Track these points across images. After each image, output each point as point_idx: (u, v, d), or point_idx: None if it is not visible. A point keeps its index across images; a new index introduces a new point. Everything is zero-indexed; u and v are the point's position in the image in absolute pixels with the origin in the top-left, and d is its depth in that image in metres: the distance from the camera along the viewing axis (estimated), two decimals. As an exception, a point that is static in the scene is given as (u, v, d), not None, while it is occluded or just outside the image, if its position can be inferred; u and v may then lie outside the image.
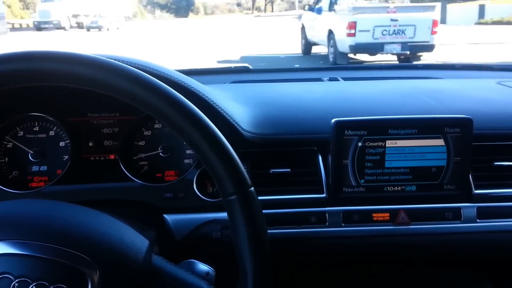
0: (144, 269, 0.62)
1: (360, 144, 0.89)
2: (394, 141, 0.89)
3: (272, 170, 0.94)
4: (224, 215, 0.91)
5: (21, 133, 1.02)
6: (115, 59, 0.60)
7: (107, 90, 0.58)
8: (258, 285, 0.55)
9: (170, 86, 0.58)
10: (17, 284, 0.55)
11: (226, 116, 0.93)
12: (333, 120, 0.90)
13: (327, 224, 0.92)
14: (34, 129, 1.03)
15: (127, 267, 0.60)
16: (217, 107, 0.92)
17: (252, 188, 0.57)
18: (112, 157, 1.02)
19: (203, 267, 0.74)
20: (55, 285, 0.56)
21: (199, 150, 0.56)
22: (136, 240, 0.63)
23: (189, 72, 1.35)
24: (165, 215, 0.94)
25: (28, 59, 0.57)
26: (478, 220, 0.93)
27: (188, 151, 1.02)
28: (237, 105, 1.04)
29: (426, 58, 7.92)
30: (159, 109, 0.56)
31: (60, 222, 0.61)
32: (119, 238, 0.62)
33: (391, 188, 0.92)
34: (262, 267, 0.55)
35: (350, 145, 0.89)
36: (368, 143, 0.89)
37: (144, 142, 1.03)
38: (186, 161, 1.02)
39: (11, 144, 1.02)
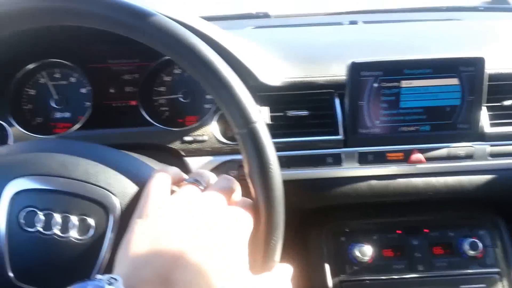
0: None
1: (375, 85, 0.95)
2: (409, 81, 0.95)
3: (289, 113, 1.00)
4: (241, 156, 0.99)
5: (43, 80, 1.10)
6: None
7: (128, 33, 0.60)
8: (271, 213, 0.58)
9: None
10: (43, 217, 0.61)
11: (244, 61, 0.98)
12: (349, 61, 0.95)
13: (342, 164, 0.99)
14: (56, 75, 1.10)
15: None
16: (234, 53, 0.97)
17: (261, 122, 0.58)
18: (133, 103, 1.09)
19: None
20: (78, 217, 0.62)
21: (211, 89, 0.59)
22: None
23: (209, 18, 1.40)
24: (185, 158, 1.01)
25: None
26: (489, 158, 0.99)
27: (208, 96, 1.09)
28: (256, 50, 1.10)
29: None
30: (175, 51, 0.59)
31: (82, 158, 0.66)
32: (140, 173, 0.67)
33: (406, 128, 0.98)
34: (273, 197, 0.58)
35: (366, 86, 0.95)
36: (383, 84, 0.95)
37: (164, 87, 1.10)
38: (206, 106, 1.08)
39: (34, 91, 1.10)
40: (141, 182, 0.63)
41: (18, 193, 0.63)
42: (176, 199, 0.57)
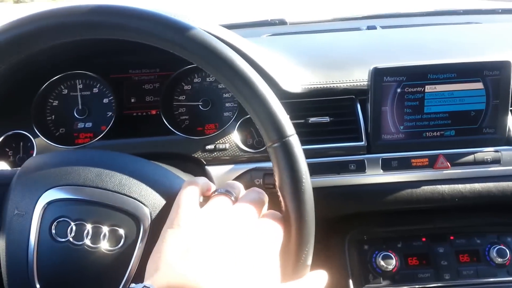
0: None
1: (399, 90, 0.95)
2: (433, 86, 0.94)
3: (311, 120, 1.00)
4: (264, 164, 0.99)
5: (66, 91, 1.11)
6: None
7: (159, 44, 0.62)
8: (302, 227, 0.59)
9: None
10: (74, 227, 0.63)
11: (263, 68, 0.98)
12: (371, 67, 0.95)
13: (366, 171, 0.99)
14: (79, 86, 1.11)
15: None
16: (254, 59, 0.97)
17: (295, 136, 0.60)
18: (153, 112, 1.10)
19: None
20: (110, 228, 0.63)
21: (245, 101, 0.60)
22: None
23: (225, 26, 1.40)
24: (207, 167, 1.01)
25: (90, 13, 0.62)
26: (517, 163, 0.98)
27: (227, 104, 1.09)
28: (275, 57, 1.10)
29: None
30: (206, 60, 0.60)
31: (115, 169, 0.68)
32: (169, 184, 0.69)
33: (430, 134, 0.97)
34: (305, 211, 0.59)
35: (389, 92, 0.95)
36: (407, 89, 0.94)
37: (184, 96, 1.11)
38: (226, 114, 1.09)
39: (57, 102, 1.11)
40: (172, 193, 0.64)
41: (51, 203, 0.64)
42: (208, 210, 0.57)
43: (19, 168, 0.71)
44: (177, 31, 0.60)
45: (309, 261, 0.60)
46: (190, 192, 0.60)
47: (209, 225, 0.54)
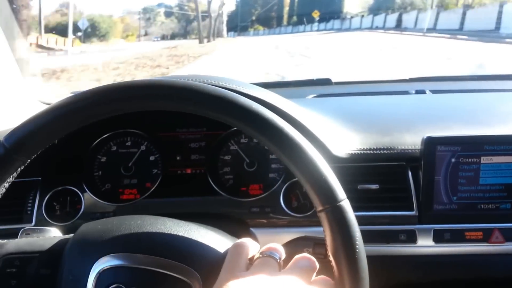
0: None
1: (453, 160, 0.95)
2: (490, 157, 0.95)
3: (360, 186, 1.01)
4: (312, 229, 1.00)
5: (114, 148, 1.16)
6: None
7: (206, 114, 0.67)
8: None
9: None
10: None
11: (313, 132, 1.00)
12: (424, 136, 0.96)
13: (417, 242, 0.98)
14: (127, 144, 1.16)
15: None
16: (303, 123, 1.00)
17: (346, 200, 0.62)
18: (198, 170, 1.13)
19: None
20: None
21: (294, 166, 0.62)
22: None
23: (269, 85, 1.44)
24: (252, 229, 1.03)
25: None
26: None
27: (273, 165, 1.11)
28: (323, 120, 1.13)
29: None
30: (263, 134, 0.63)
31: (165, 236, 0.71)
32: (218, 248, 0.71)
33: (485, 206, 0.97)
34: (361, 279, 0.60)
35: (443, 161, 0.95)
36: (462, 159, 0.95)
37: (230, 156, 1.14)
38: (271, 175, 1.11)
39: (105, 158, 1.16)
40: (220, 257, 0.67)
41: (105, 270, 0.67)
42: (256, 274, 0.59)
43: (72, 235, 0.75)
44: (231, 105, 0.64)
45: None
46: (237, 255, 0.63)
47: None
